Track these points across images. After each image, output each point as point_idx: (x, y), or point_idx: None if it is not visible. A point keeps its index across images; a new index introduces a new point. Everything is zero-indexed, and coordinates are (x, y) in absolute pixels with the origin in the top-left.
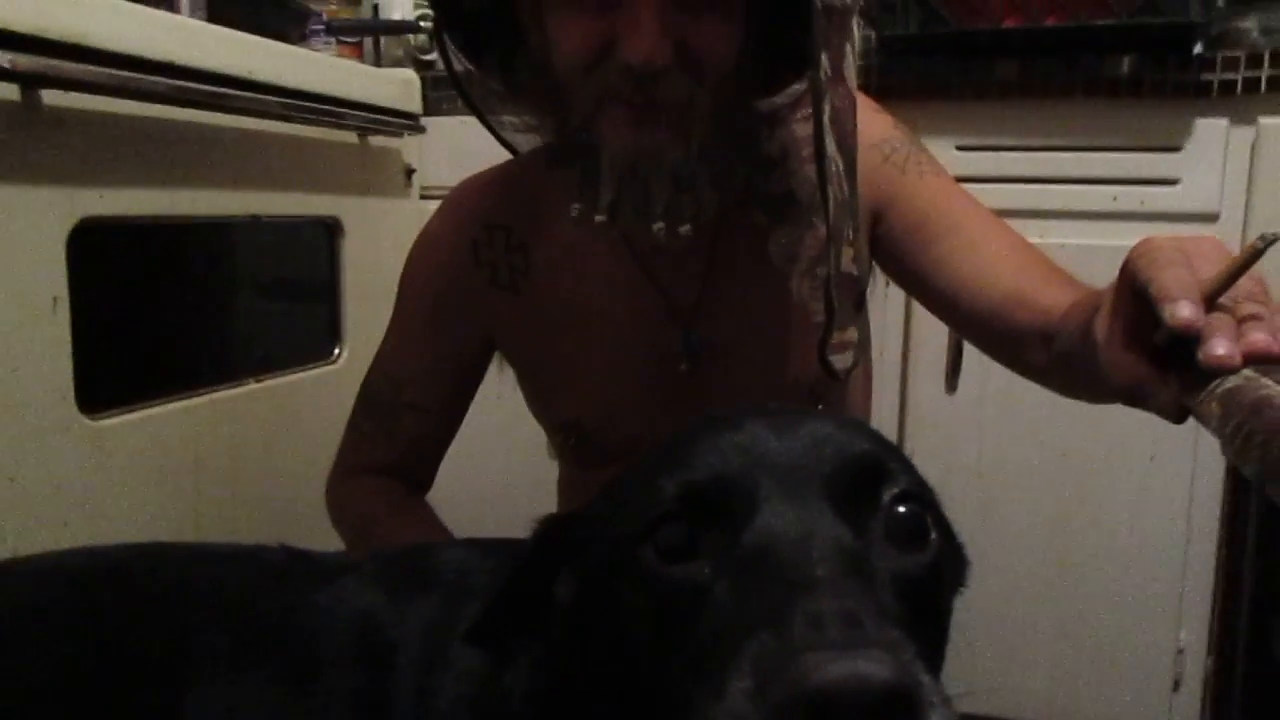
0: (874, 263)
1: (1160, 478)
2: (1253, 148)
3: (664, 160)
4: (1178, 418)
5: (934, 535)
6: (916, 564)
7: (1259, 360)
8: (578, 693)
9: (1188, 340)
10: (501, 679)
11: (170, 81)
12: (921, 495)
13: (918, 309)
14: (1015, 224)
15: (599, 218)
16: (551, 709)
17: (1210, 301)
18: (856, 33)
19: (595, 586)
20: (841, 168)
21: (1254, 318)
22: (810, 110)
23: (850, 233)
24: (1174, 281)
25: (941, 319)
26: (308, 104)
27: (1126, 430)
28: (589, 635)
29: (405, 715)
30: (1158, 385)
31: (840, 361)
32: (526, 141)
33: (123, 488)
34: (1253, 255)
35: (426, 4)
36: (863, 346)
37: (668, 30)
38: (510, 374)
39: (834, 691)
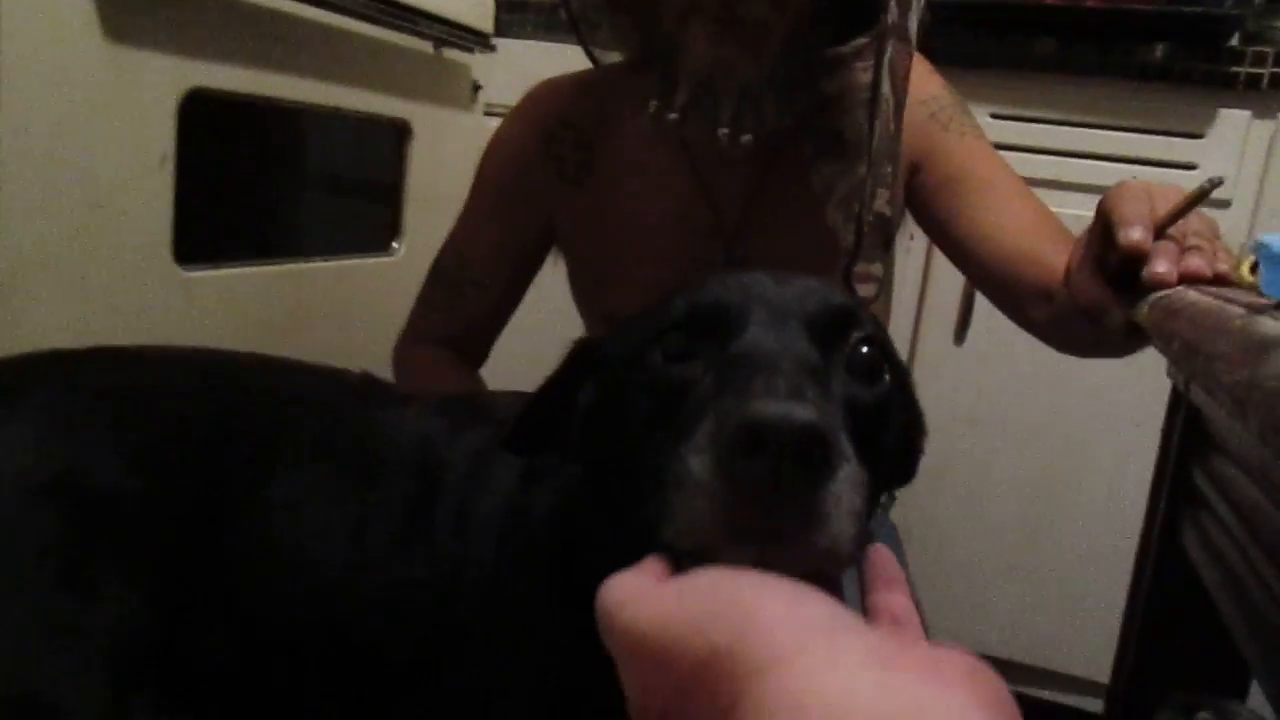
0: (906, 211)
1: (1141, 445)
2: (1271, 141)
3: (736, 74)
4: (1126, 334)
5: (887, 378)
6: (869, 395)
7: (1192, 280)
8: (590, 503)
9: (1137, 263)
10: (528, 498)
11: None
12: (884, 344)
13: (936, 264)
14: (1036, 192)
15: (671, 115)
16: (566, 524)
17: (1160, 231)
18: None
19: (611, 389)
20: (891, 109)
21: (1196, 249)
22: (870, 62)
23: (888, 177)
24: (1132, 211)
25: (959, 267)
26: (393, 7)
27: (1115, 397)
28: (604, 431)
29: (445, 521)
30: (1111, 305)
31: (863, 291)
32: (606, 56)
33: (201, 335)
34: (1200, 194)
35: None
36: (884, 284)
37: None
38: (558, 275)
39: (764, 423)
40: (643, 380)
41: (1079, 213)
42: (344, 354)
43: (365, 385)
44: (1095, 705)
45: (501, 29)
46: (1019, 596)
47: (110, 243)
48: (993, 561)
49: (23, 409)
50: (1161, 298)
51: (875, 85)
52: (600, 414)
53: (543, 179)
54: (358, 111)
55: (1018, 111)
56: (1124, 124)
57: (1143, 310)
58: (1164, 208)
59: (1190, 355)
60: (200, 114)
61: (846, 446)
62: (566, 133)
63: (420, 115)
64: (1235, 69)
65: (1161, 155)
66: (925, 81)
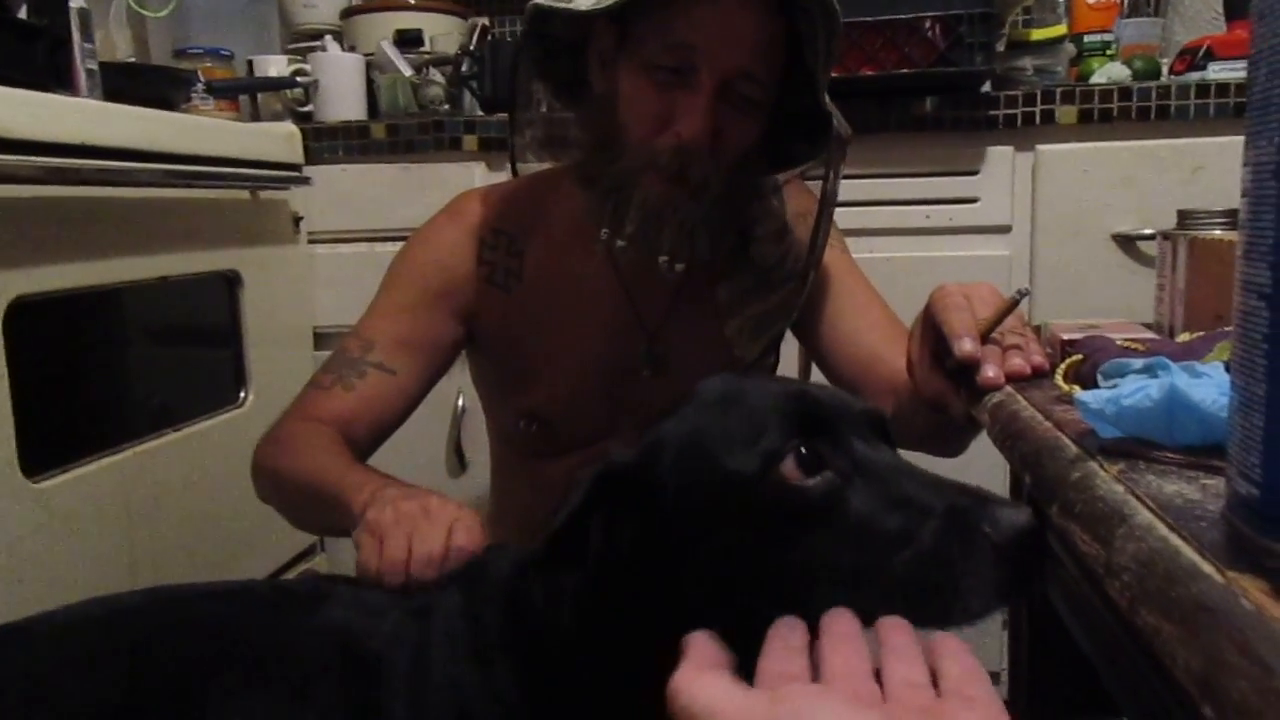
0: None
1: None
2: (1033, 170)
3: (678, 213)
4: (968, 422)
5: None
6: None
7: (1016, 378)
8: (637, 623)
9: (970, 365)
10: (491, 681)
11: (83, 162)
12: None
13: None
14: (849, 240)
15: (620, 243)
16: (600, 647)
17: (985, 336)
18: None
19: (701, 515)
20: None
21: (1015, 347)
22: (771, 189)
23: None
24: (959, 323)
25: (816, 362)
26: (205, 168)
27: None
28: (684, 561)
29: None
30: (953, 398)
31: None
32: (527, 168)
33: (66, 541)
34: (1013, 303)
35: (300, 60)
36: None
37: (715, 119)
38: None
39: (1027, 530)
40: (778, 497)
41: (887, 254)
42: (211, 520)
43: (273, 595)
44: None
45: (311, 157)
46: None
47: None
48: None
49: None
50: (997, 404)
51: (814, 244)
52: (678, 543)
53: (471, 283)
54: (185, 274)
55: (819, 172)
56: (911, 170)
57: (984, 415)
58: (981, 309)
59: (1047, 492)
60: (28, 319)
61: None
62: (500, 239)
63: (248, 260)
64: (993, 112)
65: (946, 194)
66: (802, 197)
